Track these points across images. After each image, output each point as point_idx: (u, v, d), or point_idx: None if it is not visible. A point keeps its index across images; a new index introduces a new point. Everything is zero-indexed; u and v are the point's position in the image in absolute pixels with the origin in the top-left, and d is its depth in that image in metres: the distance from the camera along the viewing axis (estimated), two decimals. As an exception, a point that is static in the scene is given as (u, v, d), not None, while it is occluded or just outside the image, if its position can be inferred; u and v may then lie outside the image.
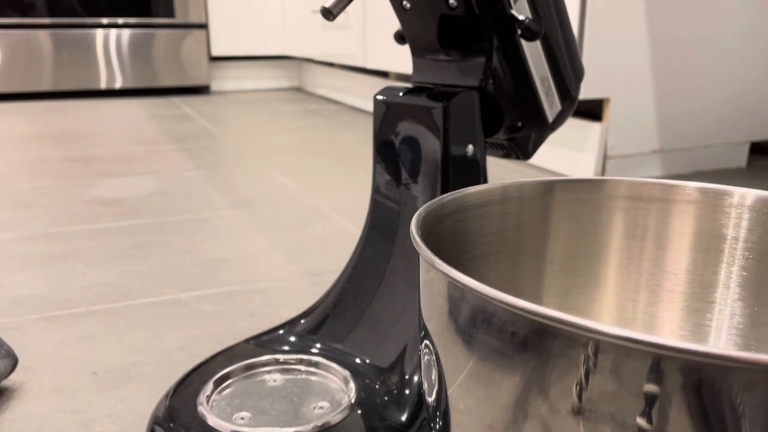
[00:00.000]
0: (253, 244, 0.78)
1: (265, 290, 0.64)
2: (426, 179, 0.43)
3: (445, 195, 0.30)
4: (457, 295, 0.23)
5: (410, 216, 0.45)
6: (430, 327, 0.26)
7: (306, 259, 0.73)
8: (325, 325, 0.47)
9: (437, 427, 0.28)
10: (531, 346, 0.21)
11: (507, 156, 0.51)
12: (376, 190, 0.46)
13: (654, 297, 0.32)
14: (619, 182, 0.31)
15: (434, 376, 0.27)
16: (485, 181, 0.45)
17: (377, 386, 0.42)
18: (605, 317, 0.33)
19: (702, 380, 0.18)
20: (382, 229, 0.46)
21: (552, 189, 0.32)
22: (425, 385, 0.29)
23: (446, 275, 0.23)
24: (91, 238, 0.80)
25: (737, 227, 0.31)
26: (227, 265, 0.71)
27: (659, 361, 0.18)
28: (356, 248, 0.48)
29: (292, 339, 0.47)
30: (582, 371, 0.20)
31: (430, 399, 0.28)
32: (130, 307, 0.61)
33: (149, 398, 0.45)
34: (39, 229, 0.83)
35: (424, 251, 0.24)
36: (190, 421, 0.39)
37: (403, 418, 0.39)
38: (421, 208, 0.28)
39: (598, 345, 0.19)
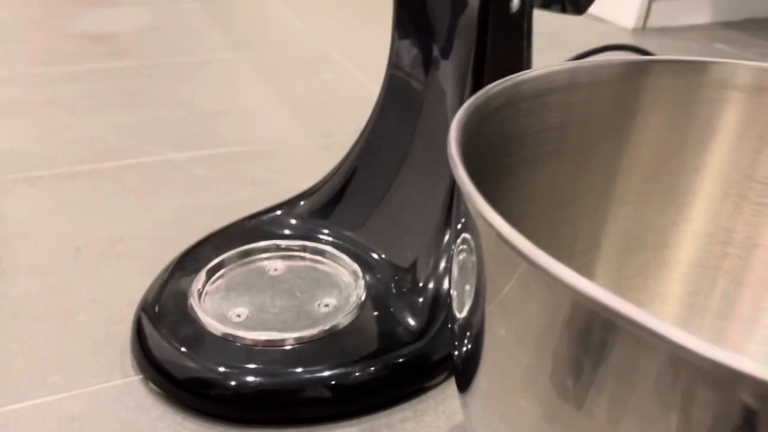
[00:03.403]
0: (253, 95, 0.71)
1: (267, 153, 0.58)
2: (459, 41, 0.35)
3: (493, 85, 0.22)
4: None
5: (436, 84, 0.37)
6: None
7: (312, 115, 0.66)
8: (333, 208, 0.41)
9: (462, 351, 0.23)
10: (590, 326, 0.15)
11: (558, 10, 0.42)
12: (395, 53, 0.38)
13: (755, 241, 0.25)
14: (736, 67, 0.24)
15: (471, 282, 0.20)
16: (530, 45, 0.37)
17: (391, 285, 0.37)
18: (681, 269, 0.26)
19: None
20: (402, 97, 0.39)
21: (639, 72, 0.24)
22: (454, 294, 0.23)
23: (493, 227, 0.16)
24: (76, 82, 0.72)
25: None
26: (225, 121, 0.64)
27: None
28: (370, 119, 0.41)
29: (296, 221, 0.42)
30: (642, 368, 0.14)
31: (459, 314, 0.23)
32: (118, 168, 0.55)
33: (137, 281, 0.41)
34: (19, 68, 0.75)
35: (467, 187, 0.17)
36: (179, 320, 0.35)
37: (419, 324, 0.35)
38: (463, 107, 0.21)
39: (670, 356, 0.13)
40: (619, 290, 0.30)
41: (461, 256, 0.21)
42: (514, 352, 0.19)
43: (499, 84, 0.23)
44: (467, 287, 0.21)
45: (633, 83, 0.24)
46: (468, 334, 0.22)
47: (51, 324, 0.38)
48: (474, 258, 0.20)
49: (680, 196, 0.26)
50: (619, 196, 0.28)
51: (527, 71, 0.24)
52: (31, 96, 0.68)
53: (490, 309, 0.20)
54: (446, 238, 0.37)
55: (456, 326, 0.23)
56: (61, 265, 0.43)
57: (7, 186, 0.52)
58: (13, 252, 0.44)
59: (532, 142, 0.25)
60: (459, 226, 0.21)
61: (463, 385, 0.24)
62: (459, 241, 0.21)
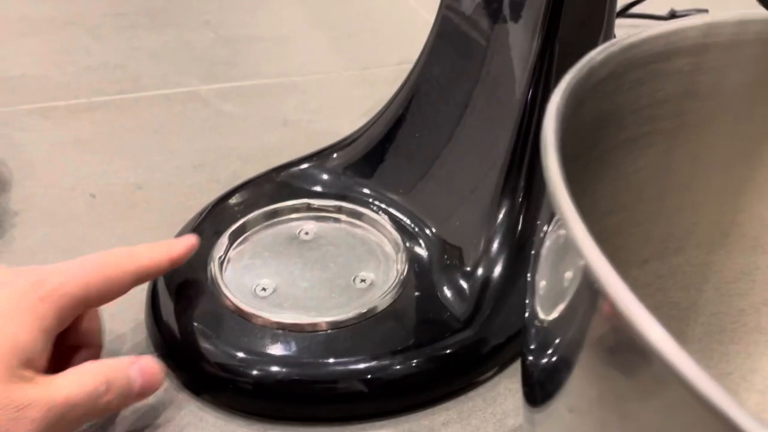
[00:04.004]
0: (288, 19, 0.64)
1: (301, 87, 0.52)
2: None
3: (597, 51, 0.17)
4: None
5: (500, 26, 0.31)
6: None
7: (351, 44, 0.60)
8: (372, 164, 0.36)
9: (542, 360, 0.18)
10: None
11: None
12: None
13: None
14: None
15: (576, 268, 0.14)
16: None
17: (435, 259, 0.32)
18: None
19: None
20: (458, 39, 0.33)
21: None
22: (540, 283, 0.17)
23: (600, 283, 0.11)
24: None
25: None
26: (256, 48, 0.58)
27: None
28: (418, 61, 0.35)
29: (330, 177, 0.37)
30: None
31: (548, 310, 0.17)
32: (139, 100, 0.50)
33: (155, 238, 0.36)
34: (38, -19, 0.70)
35: (571, 219, 0.12)
36: (198, 292, 0.31)
37: (465, 309, 0.30)
38: (559, 89, 0.15)
39: None
40: (718, 294, 0.25)
41: (563, 231, 0.15)
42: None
43: (605, 49, 0.17)
44: (569, 274, 0.15)
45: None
46: (558, 339, 0.17)
47: (61, 284, 0.34)
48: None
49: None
50: (736, 186, 0.22)
51: (641, 32, 0.18)
52: (50, 14, 0.63)
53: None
54: (503, 209, 0.31)
55: (536, 325, 0.18)
56: (74, 214, 0.39)
57: (20, 117, 0.48)
58: (24, 196, 0.40)
59: (636, 121, 0.20)
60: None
61: (536, 400, 0.20)
62: (553, 222, 0.15)
